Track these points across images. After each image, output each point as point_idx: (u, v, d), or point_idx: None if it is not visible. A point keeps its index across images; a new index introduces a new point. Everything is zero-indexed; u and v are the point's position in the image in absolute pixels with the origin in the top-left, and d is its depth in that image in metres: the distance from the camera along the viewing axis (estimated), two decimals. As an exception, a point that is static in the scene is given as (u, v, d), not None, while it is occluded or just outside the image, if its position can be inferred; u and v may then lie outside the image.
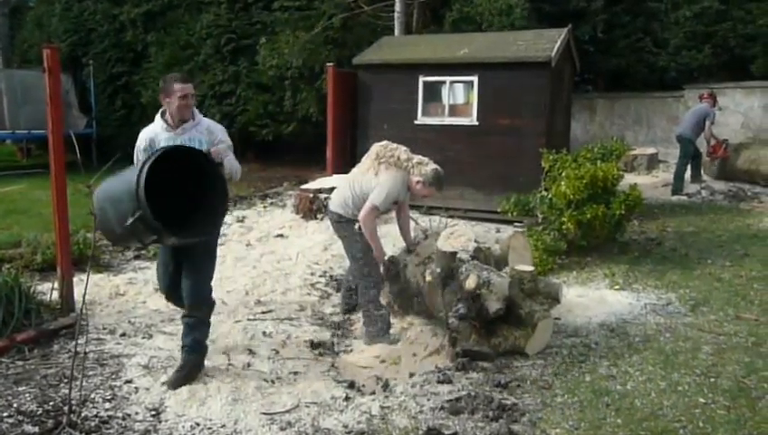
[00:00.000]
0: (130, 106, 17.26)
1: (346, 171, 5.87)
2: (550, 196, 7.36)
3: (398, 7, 13.33)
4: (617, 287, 6.36)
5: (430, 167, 5.25)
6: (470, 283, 4.72)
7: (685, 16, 14.49)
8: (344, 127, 10.84)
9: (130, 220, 3.57)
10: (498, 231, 8.62)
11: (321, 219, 8.84)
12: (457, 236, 5.24)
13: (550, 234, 7.22)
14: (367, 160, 5.42)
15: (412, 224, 5.88)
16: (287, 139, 15.07)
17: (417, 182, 5.22)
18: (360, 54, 11.06)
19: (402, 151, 5.32)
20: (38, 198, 11.00)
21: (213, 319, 4.56)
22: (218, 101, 15.54)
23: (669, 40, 14.73)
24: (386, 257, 5.55)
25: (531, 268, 5.24)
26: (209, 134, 4.36)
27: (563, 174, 7.26)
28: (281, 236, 8.64)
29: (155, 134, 4.31)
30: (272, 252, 7.90)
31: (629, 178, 9.71)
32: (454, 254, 5.02)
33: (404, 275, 5.50)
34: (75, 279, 5.76)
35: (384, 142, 5.43)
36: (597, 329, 5.23)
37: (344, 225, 5.41)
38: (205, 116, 4.50)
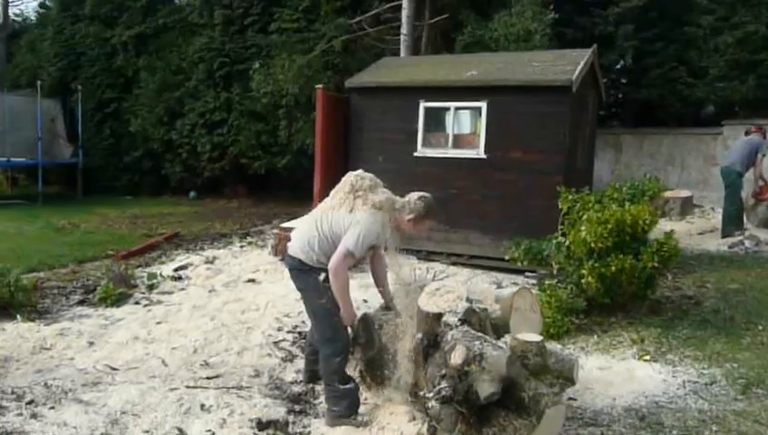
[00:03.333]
0: (119, 135, 16.89)
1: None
2: (567, 243, 6.45)
3: (404, 30, 12.53)
4: (647, 358, 5.40)
5: (415, 196, 4.45)
6: (456, 357, 3.72)
7: (726, 43, 13.56)
8: (335, 157, 9.92)
9: None
10: (499, 286, 7.55)
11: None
12: (444, 292, 4.29)
13: (566, 288, 6.31)
14: (339, 193, 4.47)
15: (391, 275, 4.82)
16: (281, 172, 14.47)
17: (409, 220, 4.38)
18: (354, 76, 10.23)
19: (379, 185, 4.44)
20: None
21: (144, 385, 3.64)
22: (209, 130, 14.95)
23: (708, 69, 13.89)
24: (356, 319, 4.52)
25: (538, 338, 4.14)
26: None
27: (584, 217, 6.35)
28: (252, 281, 7.86)
29: None
30: (238, 300, 7.05)
31: (661, 225, 8.66)
32: (439, 316, 4.07)
33: (378, 338, 4.50)
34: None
35: (359, 172, 4.53)
36: (622, 416, 4.34)
37: (306, 274, 4.45)
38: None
